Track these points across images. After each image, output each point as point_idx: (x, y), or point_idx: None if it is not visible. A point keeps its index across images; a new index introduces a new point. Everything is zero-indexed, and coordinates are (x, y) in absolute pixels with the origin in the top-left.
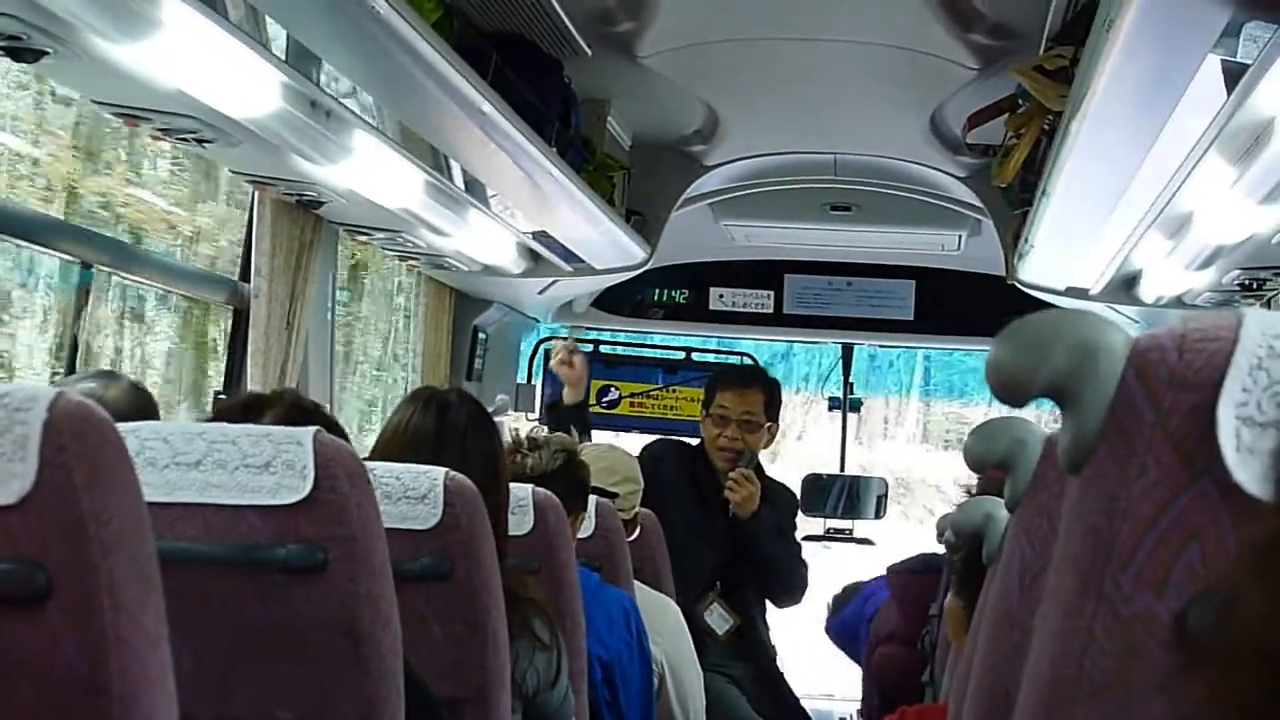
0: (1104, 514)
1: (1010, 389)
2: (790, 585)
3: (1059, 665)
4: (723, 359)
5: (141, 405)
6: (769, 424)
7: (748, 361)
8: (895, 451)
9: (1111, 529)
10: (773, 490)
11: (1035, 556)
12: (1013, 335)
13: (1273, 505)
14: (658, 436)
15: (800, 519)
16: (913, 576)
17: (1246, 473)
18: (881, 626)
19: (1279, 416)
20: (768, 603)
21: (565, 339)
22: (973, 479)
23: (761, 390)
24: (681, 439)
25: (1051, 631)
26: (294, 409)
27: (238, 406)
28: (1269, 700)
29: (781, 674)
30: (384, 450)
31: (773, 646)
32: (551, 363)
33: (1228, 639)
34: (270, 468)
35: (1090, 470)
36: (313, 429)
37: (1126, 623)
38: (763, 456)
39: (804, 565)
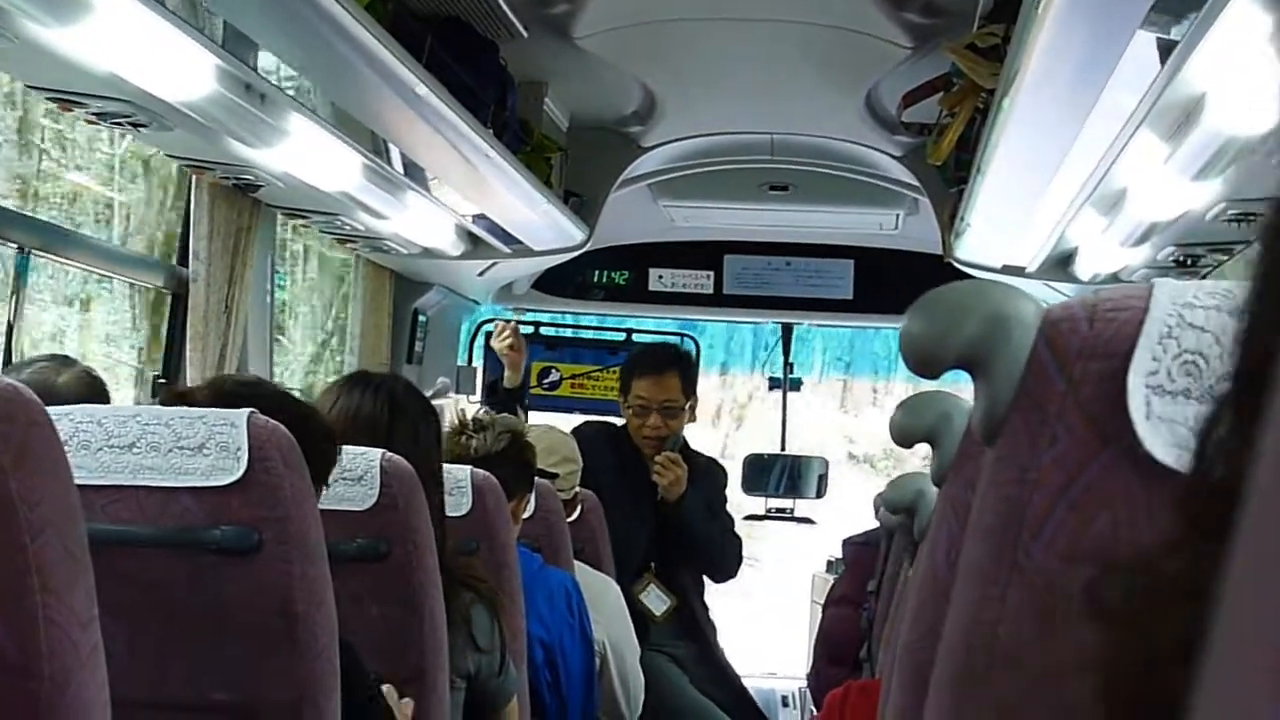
0: (1016, 483)
1: (923, 360)
2: (724, 562)
3: (973, 635)
4: (663, 339)
5: (93, 390)
6: (689, 403)
7: (688, 344)
8: (886, 420)
9: (1024, 498)
10: (701, 467)
11: (961, 529)
12: (926, 306)
13: (1191, 476)
14: (585, 420)
15: (742, 498)
16: (860, 547)
17: (1157, 441)
18: (834, 590)
19: (1188, 385)
20: (705, 582)
21: (507, 321)
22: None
23: (677, 373)
24: (608, 420)
25: (966, 601)
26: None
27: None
28: (1169, 668)
29: (722, 652)
30: None
31: (712, 625)
32: (493, 343)
33: (1139, 609)
34: (204, 449)
35: (1003, 440)
36: (246, 410)
37: (1039, 592)
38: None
39: (737, 540)
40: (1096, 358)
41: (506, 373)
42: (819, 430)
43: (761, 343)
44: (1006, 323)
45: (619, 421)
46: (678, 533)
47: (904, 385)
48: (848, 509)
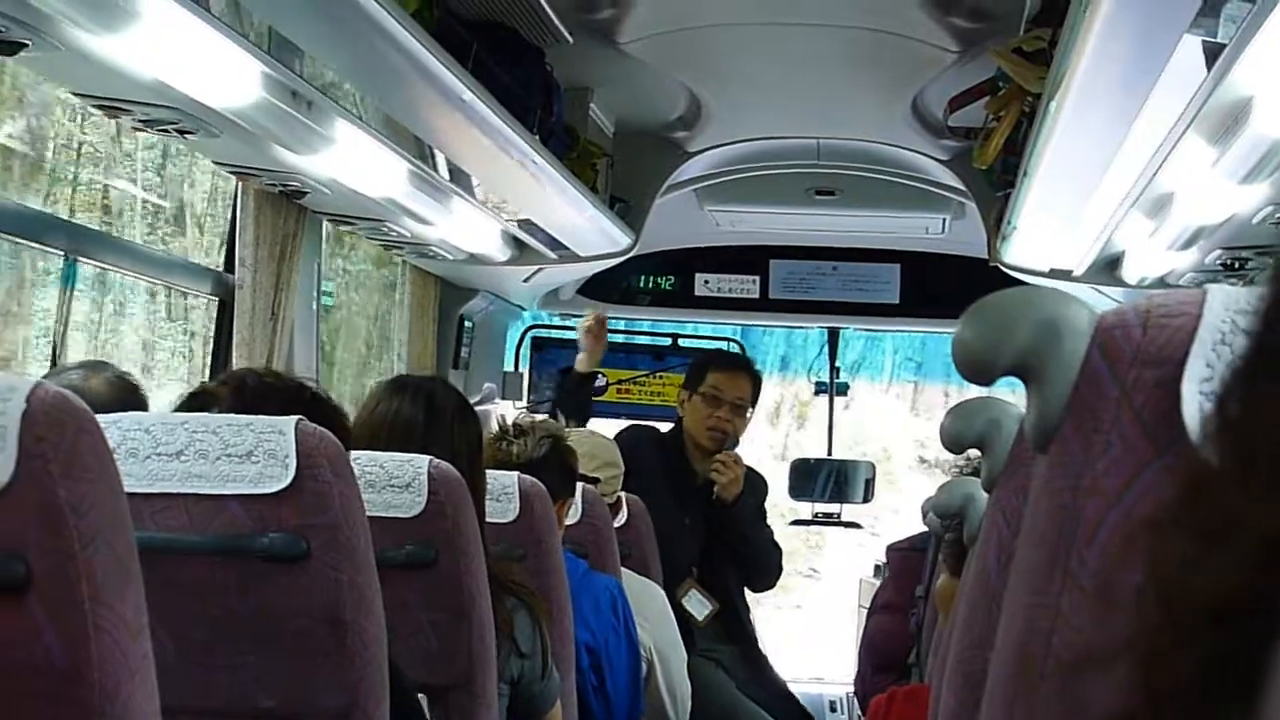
0: (1070, 490)
1: (975, 367)
2: (768, 568)
3: (1027, 641)
4: (709, 344)
5: (126, 395)
6: (751, 411)
7: (734, 348)
8: None
9: (1077, 505)
10: (746, 476)
11: (1012, 535)
12: (978, 313)
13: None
14: (630, 424)
15: (789, 503)
16: (906, 554)
17: None
18: (879, 597)
19: None
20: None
21: (594, 314)
22: (967, 456)
23: (750, 378)
24: (653, 425)
25: (1019, 608)
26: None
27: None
28: (1187, 661)
29: (765, 657)
30: (370, 440)
31: (754, 629)
32: (578, 328)
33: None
34: (252, 457)
35: (1056, 447)
36: (295, 418)
37: (1092, 598)
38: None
39: (778, 549)
40: (1150, 364)
41: (581, 356)
42: (887, 434)
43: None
44: (1059, 329)
45: (663, 427)
46: (728, 534)
47: (978, 388)
48: (912, 515)
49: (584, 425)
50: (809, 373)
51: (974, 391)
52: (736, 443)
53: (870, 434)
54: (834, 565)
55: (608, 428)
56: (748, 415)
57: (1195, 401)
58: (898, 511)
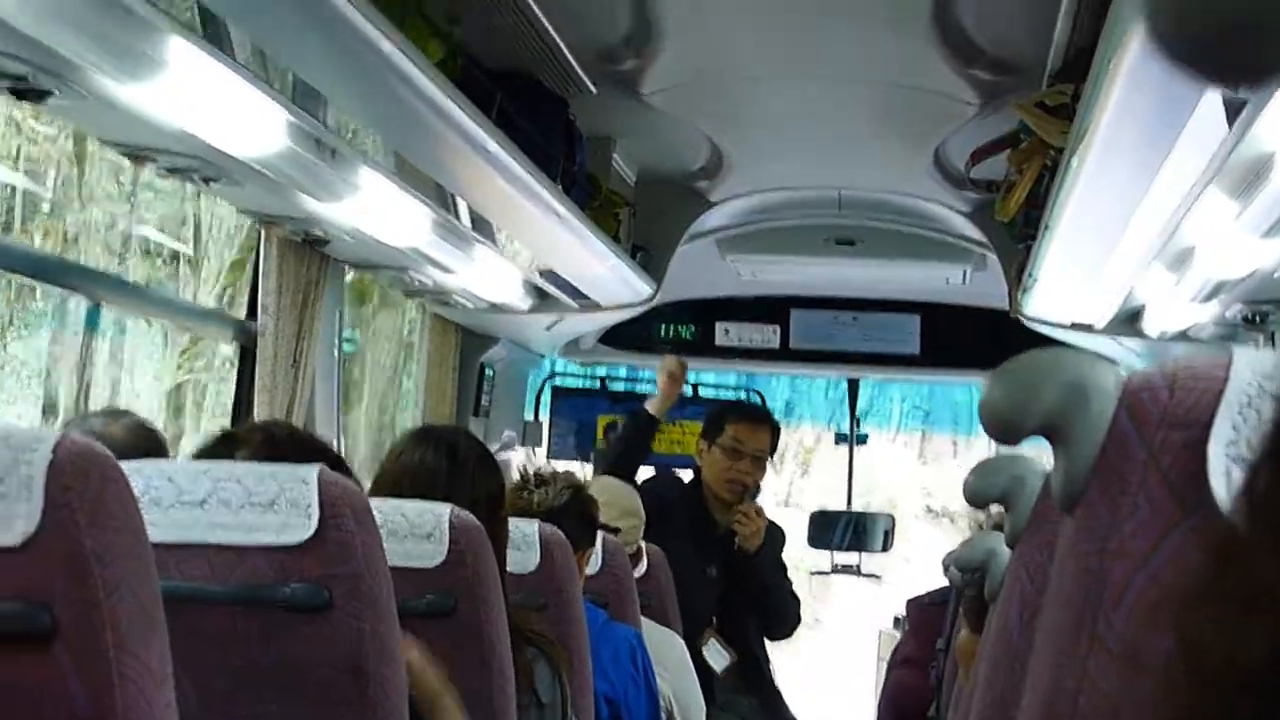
0: (1096, 553)
1: (1003, 428)
2: (788, 617)
3: (1053, 701)
4: (729, 394)
5: (148, 443)
6: (770, 461)
7: (755, 398)
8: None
9: (1104, 566)
10: (768, 525)
11: (1035, 592)
12: (1005, 374)
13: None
14: (656, 471)
15: (808, 553)
16: (926, 608)
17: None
18: (898, 651)
19: None
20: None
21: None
22: (987, 511)
23: (770, 429)
24: (677, 473)
25: (1046, 668)
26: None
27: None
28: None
29: (787, 708)
30: (392, 488)
31: (775, 682)
32: (659, 368)
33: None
34: (275, 506)
35: (1083, 508)
36: (317, 466)
37: (1120, 661)
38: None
39: (797, 599)
40: (1177, 426)
41: (655, 399)
42: (895, 483)
43: (837, 391)
44: (1086, 391)
45: (684, 474)
46: (749, 585)
47: (985, 438)
48: (922, 564)
49: (634, 471)
50: (828, 423)
51: (983, 442)
52: (758, 493)
53: (878, 483)
54: (839, 614)
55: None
56: (767, 464)
57: (1222, 464)
58: (908, 560)
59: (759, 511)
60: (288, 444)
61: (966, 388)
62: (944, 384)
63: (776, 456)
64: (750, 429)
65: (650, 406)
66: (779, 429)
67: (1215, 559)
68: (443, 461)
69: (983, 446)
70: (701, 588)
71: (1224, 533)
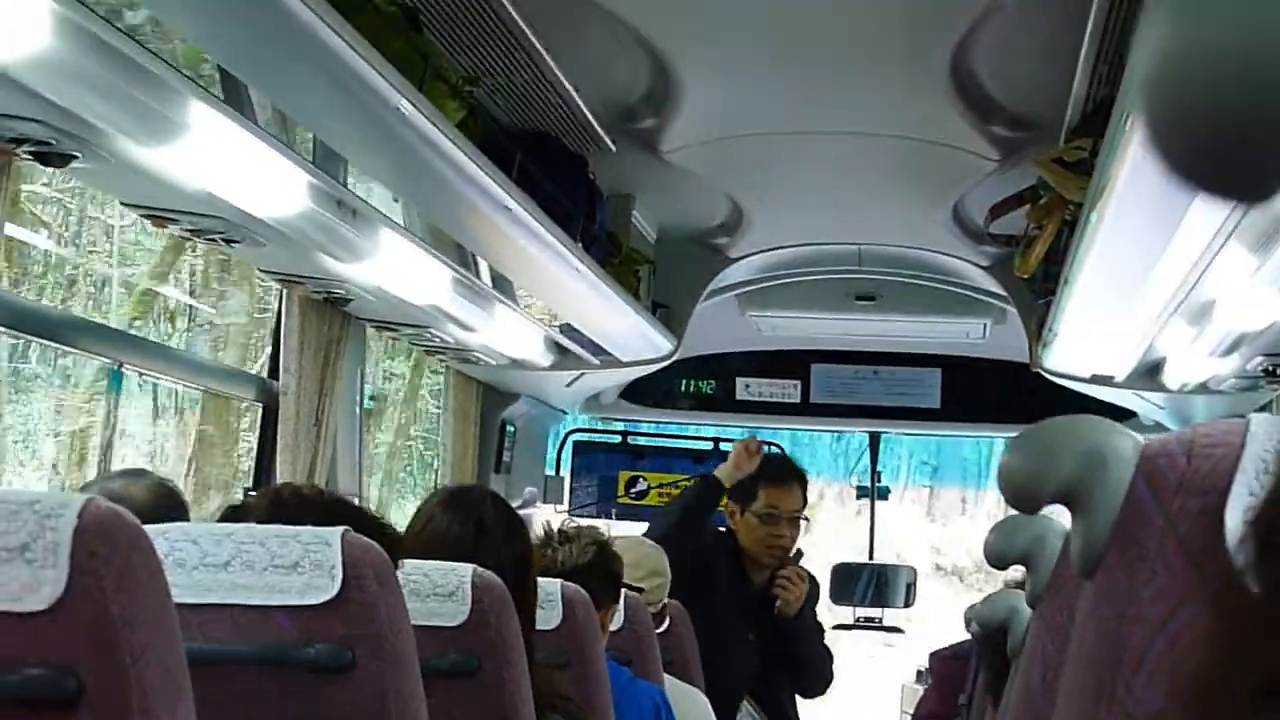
0: (1116, 618)
1: (1021, 495)
2: (823, 676)
3: None
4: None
5: (168, 503)
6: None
7: (776, 451)
8: (976, 531)
9: (1123, 632)
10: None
11: (1056, 653)
12: (1023, 442)
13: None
14: None
15: (830, 607)
16: (948, 661)
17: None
18: (921, 706)
19: None
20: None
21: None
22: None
23: (799, 484)
24: (718, 530)
25: None
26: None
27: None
28: None
29: None
30: (419, 552)
31: None
32: (737, 444)
33: None
34: (299, 568)
35: (1102, 574)
36: (341, 529)
37: None
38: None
39: (830, 654)
40: (1194, 494)
41: (725, 469)
42: (903, 539)
43: (840, 445)
44: (1103, 459)
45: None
46: (787, 648)
47: (996, 494)
48: (932, 623)
49: (694, 536)
50: (849, 476)
51: (993, 498)
52: (800, 555)
53: (884, 539)
54: (845, 670)
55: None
56: (801, 525)
57: (1239, 530)
58: (912, 619)
59: (801, 576)
60: (299, 507)
61: (975, 443)
62: (959, 438)
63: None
64: (782, 491)
65: (720, 474)
66: (807, 481)
67: (1228, 647)
68: (470, 529)
69: (992, 503)
70: (741, 652)
71: (1237, 616)
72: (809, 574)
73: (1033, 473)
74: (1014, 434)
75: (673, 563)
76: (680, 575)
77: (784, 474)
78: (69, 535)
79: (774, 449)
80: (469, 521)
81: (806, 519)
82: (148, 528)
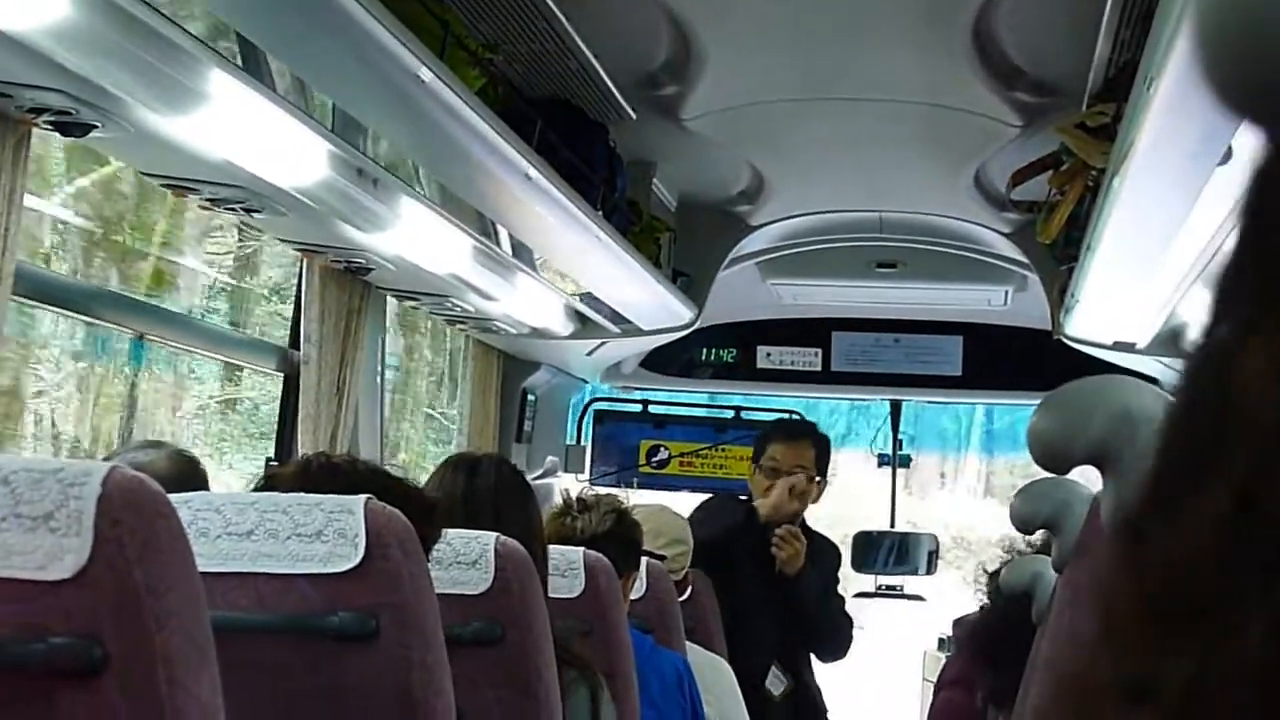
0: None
1: (1051, 457)
2: (837, 641)
3: None
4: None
5: (188, 473)
6: (819, 479)
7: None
8: (954, 505)
9: None
10: (817, 545)
11: (1083, 616)
12: (1052, 403)
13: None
14: (713, 497)
15: (851, 575)
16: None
17: None
18: (946, 672)
19: None
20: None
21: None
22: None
23: (813, 444)
24: (739, 497)
25: None
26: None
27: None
28: None
29: None
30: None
31: (825, 707)
32: (784, 480)
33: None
34: (322, 536)
35: None
36: (364, 497)
37: None
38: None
39: (849, 620)
40: None
41: (767, 505)
42: (876, 514)
43: (843, 413)
44: (1133, 419)
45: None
46: (794, 608)
47: (977, 463)
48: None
49: (721, 563)
50: (870, 445)
51: (972, 471)
52: (800, 514)
53: (853, 515)
54: (868, 637)
55: (670, 501)
56: (815, 482)
57: None
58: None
59: (795, 534)
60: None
61: (955, 413)
62: (923, 405)
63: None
64: (789, 447)
65: (761, 508)
66: (825, 442)
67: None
68: (460, 486)
69: (973, 477)
70: (766, 619)
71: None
72: (830, 542)
73: (1063, 433)
74: (1035, 401)
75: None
76: (701, 544)
77: (793, 432)
78: (93, 503)
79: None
80: (459, 478)
81: (819, 478)
82: (172, 497)
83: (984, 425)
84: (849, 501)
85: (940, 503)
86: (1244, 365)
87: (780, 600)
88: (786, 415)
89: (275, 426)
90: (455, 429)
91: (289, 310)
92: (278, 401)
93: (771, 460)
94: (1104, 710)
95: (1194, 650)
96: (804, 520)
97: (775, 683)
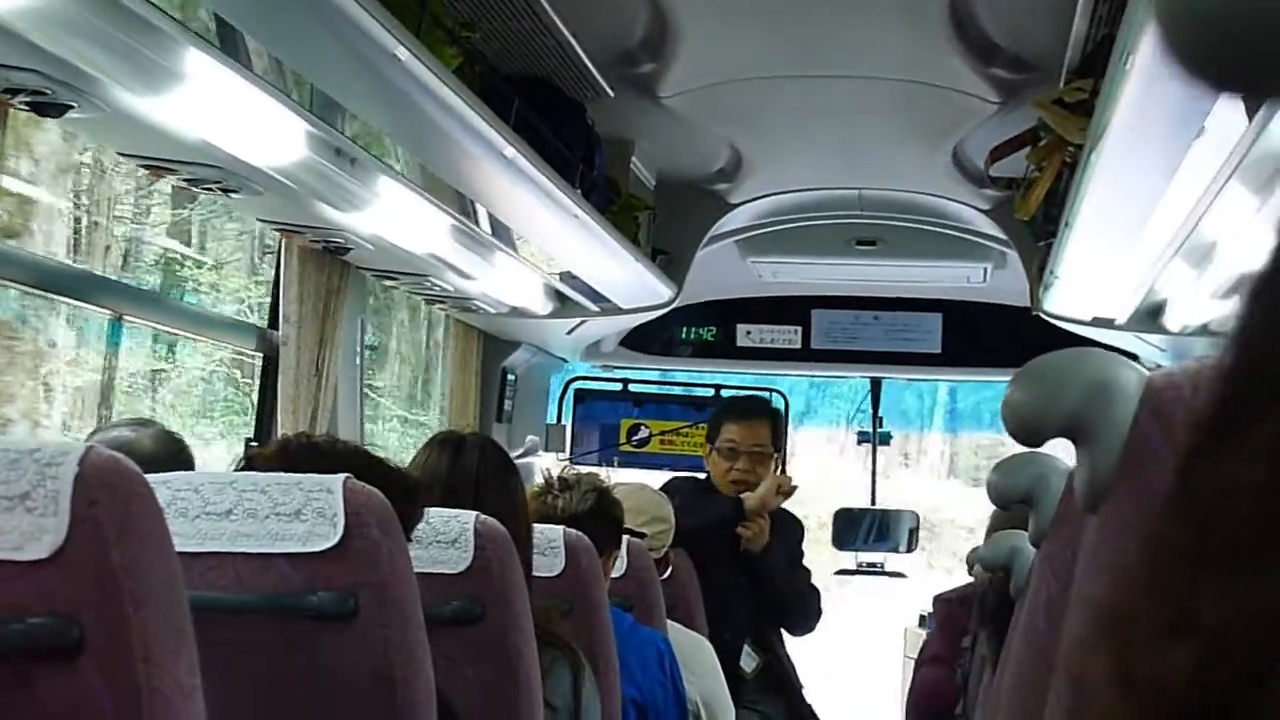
0: (1119, 552)
1: (1025, 429)
2: (805, 614)
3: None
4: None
5: (174, 452)
6: (775, 455)
7: (776, 399)
8: (918, 486)
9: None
10: (780, 520)
11: (1060, 590)
12: (1027, 376)
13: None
14: (674, 475)
15: (832, 553)
16: (953, 605)
17: None
18: (926, 649)
19: None
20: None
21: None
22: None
23: (767, 420)
24: (696, 475)
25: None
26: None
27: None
28: None
29: (811, 707)
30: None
31: (799, 680)
32: (770, 478)
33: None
34: (301, 515)
35: (1107, 508)
36: (342, 476)
37: None
38: None
39: (816, 593)
40: None
41: (753, 498)
42: (837, 493)
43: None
44: (1109, 392)
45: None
46: (762, 585)
47: (940, 443)
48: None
49: (700, 549)
50: (849, 422)
51: (935, 452)
52: (787, 493)
53: (814, 496)
54: (844, 613)
55: (651, 479)
56: (771, 457)
57: None
58: (828, 590)
59: (759, 512)
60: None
61: (917, 391)
62: (902, 381)
63: None
64: (744, 426)
65: (748, 501)
66: (778, 420)
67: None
68: (444, 465)
69: (936, 456)
70: (735, 593)
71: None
72: (792, 516)
73: (1037, 406)
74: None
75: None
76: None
77: (747, 411)
78: (70, 483)
79: (776, 395)
80: (444, 457)
81: (774, 455)
82: (150, 477)
83: (947, 405)
84: (812, 484)
85: (904, 484)
86: None
87: (748, 578)
88: (769, 394)
89: (217, 402)
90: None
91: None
92: (219, 377)
93: (729, 441)
94: (1142, 646)
95: (1238, 586)
96: None
97: (748, 660)
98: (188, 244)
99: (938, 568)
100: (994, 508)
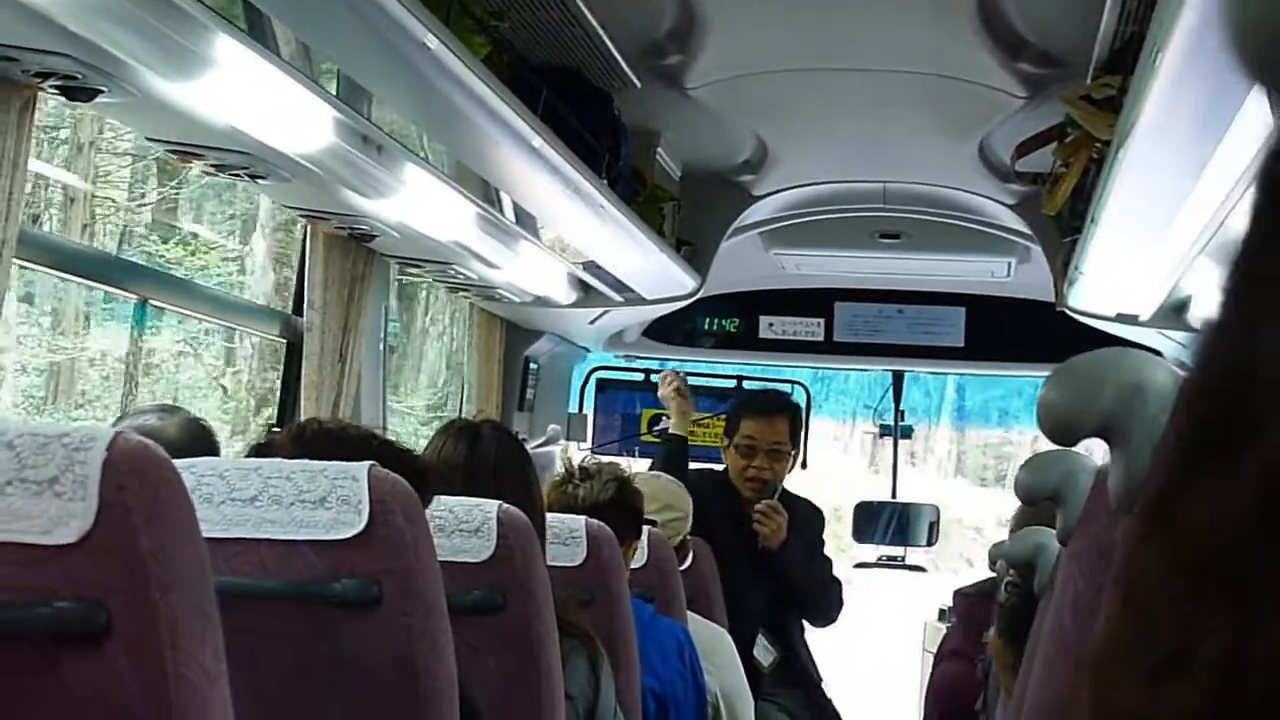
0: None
1: (1060, 429)
2: (825, 607)
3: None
4: (774, 387)
5: (200, 439)
6: (794, 451)
7: (798, 391)
8: (925, 485)
9: None
10: (800, 511)
11: (1087, 589)
12: (1062, 376)
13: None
14: (692, 470)
15: (852, 546)
16: (973, 599)
17: None
18: (946, 644)
19: None
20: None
21: (674, 372)
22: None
23: (786, 417)
24: (714, 469)
25: None
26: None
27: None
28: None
29: (830, 701)
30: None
31: (818, 674)
32: (661, 393)
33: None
34: (325, 503)
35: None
36: (368, 463)
37: None
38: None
39: (838, 584)
40: None
41: (672, 419)
42: (839, 490)
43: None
44: (1143, 392)
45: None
46: (780, 580)
47: (947, 441)
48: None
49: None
50: (873, 415)
51: (943, 448)
52: (778, 487)
53: (817, 494)
54: (865, 606)
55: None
56: (790, 454)
57: None
58: (850, 582)
59: (776, 509)
60: (325, 442)
61: (925, 387)
62: (911, 375)
63: None
64: (762, 423)
65: (673, 429)
66: (798, 416)
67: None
68: (462, 453)
69: (943, 454)
70: (751, 587)
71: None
72: (812, 505)
73: (1072, 406)
74: (1038, 373)
75: None
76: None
77: (766, 407)
78: (98, 468)
79: (798, 388)
80: (461, 445)
81: (793, 453)
82: (175, 462)
83: (954, 401)
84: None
85: (911, 483)
86: (1272, 332)
87: (765, 571)
88: (790, 386)
89: (198, 389)
90: None
91: None
92: (194, 358)
93: (747, 438)
94: (1127, 690)
95: (1231, 621)
96: (784, 489)
97: (764, 653)
98: None
99: (944, 569)
100: (1020, 504)
